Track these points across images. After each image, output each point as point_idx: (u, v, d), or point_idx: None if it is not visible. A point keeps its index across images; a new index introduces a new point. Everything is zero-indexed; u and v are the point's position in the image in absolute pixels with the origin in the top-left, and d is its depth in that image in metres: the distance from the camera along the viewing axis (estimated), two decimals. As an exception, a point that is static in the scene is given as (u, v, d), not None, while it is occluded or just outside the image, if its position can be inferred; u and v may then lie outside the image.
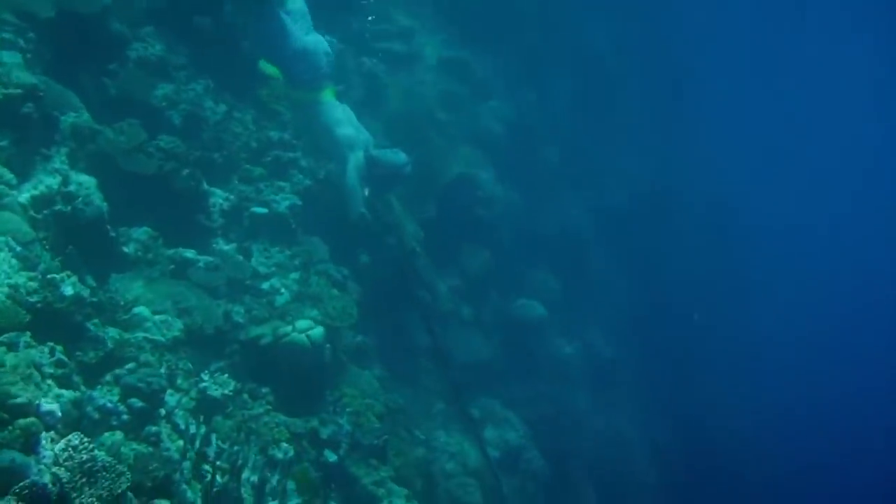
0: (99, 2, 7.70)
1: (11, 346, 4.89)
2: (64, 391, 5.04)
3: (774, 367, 21.16)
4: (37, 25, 7.22)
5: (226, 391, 6.33)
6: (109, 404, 5.26)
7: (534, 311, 12.36)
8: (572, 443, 11.93)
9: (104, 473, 4.32)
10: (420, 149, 11.55)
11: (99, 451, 4.57)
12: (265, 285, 7.96)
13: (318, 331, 7.17)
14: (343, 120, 8.48)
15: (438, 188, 11.35)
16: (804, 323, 25.13)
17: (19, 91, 6.28)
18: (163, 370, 5.87)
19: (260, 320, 7.40)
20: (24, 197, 6.12)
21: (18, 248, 5.67)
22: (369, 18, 12.55)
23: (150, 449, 5.16)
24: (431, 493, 8.34)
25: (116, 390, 5.44)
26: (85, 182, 6.35)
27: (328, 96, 8.45)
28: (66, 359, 5.23)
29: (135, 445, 5.17)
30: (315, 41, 8.35)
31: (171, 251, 7.24)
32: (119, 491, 4.31)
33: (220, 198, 8.16)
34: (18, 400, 4.36)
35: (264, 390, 6.85)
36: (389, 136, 11.08)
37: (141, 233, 6.97)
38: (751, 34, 26.94)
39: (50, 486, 4.04)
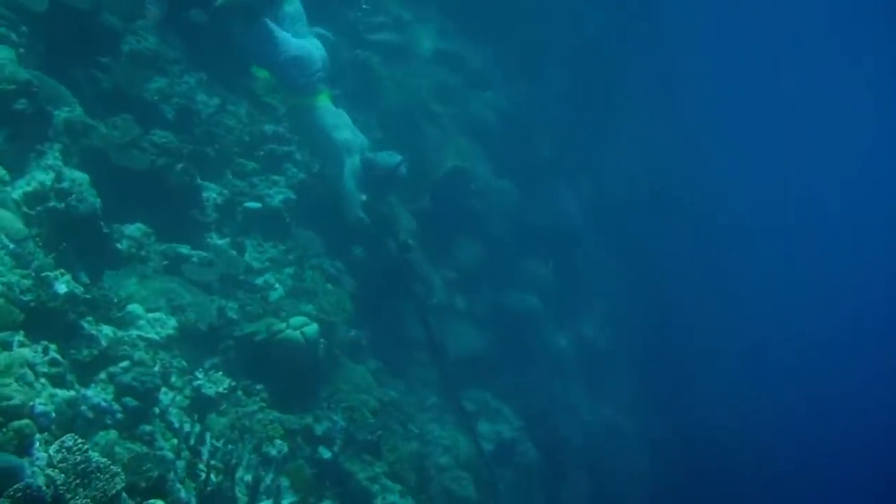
0: (92, -6, 7.67)
1: (5, 346, 4.88)
2: (58, 390, 5.03)
3: (771, 361, 21.20)
4: (29, 19, 7.17)
5: (220, 389, 6.33)
6: (104, 403, 5.25)
7: (527, 303, 12.38)
8: (566, 434, 11.97)
9: (98, 474, 4.31)
10: (414, 141, 11.58)
11: (93, 451, 4.56)
12: (259, 280, 7.97)
13: (312, 328, 7.17)
14: (340, 124, 8.47)
15: (433, 180, 11.34)
16: (803, 319, 25.15)
17: (13, 87, 6.25)
18: (157, 368, 5.86)
19: (254, 316, 7.39)
20: (17, 193, 6.09)
21: (11, 246, 5.64)
22: (364, 7, 12.50)
23: (145, 448, 5.16)
24: (426, 487, 8.34)
25: (111, 388, 5.44)
26: (78, 178, 6.33)
27: (324, 101, 8.44)
28: (59, 357, 5.21)
29: (129, 444, 5.16)
30: (309, 46, 8.32)
31: (164, 246, 7.23)
32: (113, 492, 4.30)
33: (213, 192, 8.15)
34: (12, 402, 4.35)
35: (258, 387, 6.85)
36: (384, 128, 11.09)
37: (134, 229, 6.95)
38: (748, 25, 26.88)
39: (44, 488, 4.04)
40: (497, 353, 11.46)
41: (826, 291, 28.65)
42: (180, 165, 7.48)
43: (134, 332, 6.08)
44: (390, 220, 9.19)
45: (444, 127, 12.46)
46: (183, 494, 5.05)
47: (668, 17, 19.76)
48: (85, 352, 5.52)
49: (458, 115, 12.98)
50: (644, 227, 16.17)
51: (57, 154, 6.56)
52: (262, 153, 8.96)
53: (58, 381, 5.11)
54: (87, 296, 5.82)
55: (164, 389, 5.84)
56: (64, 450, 4.28)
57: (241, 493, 5.54)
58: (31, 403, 4.50)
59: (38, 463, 4.21)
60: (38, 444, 4.33)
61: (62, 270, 5.71)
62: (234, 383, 6.57)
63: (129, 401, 5.38)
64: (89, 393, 5.25)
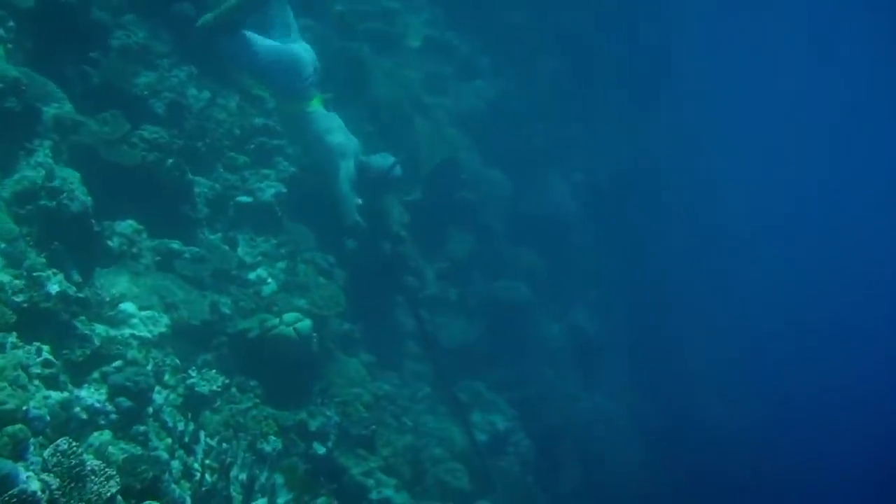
0: (80, -12, 7.61)
1: (-2, 348, 4.88)
2: (52, 392, 5.03)
3: (768, 351, 21.26)
4: (17, 14, 7.11)
5: (213, 387, 6.33)
6: (97, 404, 5.25)
7: (519, 292, 12.36)
8: (559, 423, 11.97)
9: (93, 477, 4.30)
10: (405, 132, 11.55)
11: (87, 453, 4.57)
12: (252, 275, 7.95)
13: (305, 323, 7.15)
14: (332, 128, 8.44)
15: (423, 171, 11.32)
16: (801, 308, 25.21)
17: (1, 85, 6.21)
18: (150, 367, 5.85)
19: (247, 311, 7.39)
20: (6, 192, 6.07)
21: (2, 245, 5.64)
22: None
23: (139, 449, 5.16)
24: (420, 479, 8.36)
25: (104, 388, 5.43)
26: (69, 176, 6.30)
27: (316, 105, 8.40)
28: (52, 358, 5.21)
29: (123, 445, 5.17)
30: (300, 51, 8.28)
31: (156, 242, 7.20)
32: (108, 495, 4.30)
33: (204, 187, 8.12)
34: (6, 406, 4.34)
35: (252, 383, 6.85)
36: (374, 120, 11.05)
37: (125, 226, 6.92)
38: (740, 15, 26.89)
39: (39, 493, 4.03)
40: (490, 343, 11.45)
41: (825, 279, 28.70)
42: (171, 161, 7.43)
43: (126, 331, 6.05)
44: (385, 221, 9.18)
45: (435, 118, 12.44)
46: (178, 495, 5.04)
47: (659, 5, 19.75)
48: (78, 352, 5.52)
49: (448, 106, 12.96)
50: (636, 216, 16.19)
51: (47, 151, 6.53)
52: (252, 146, 8.94)
53: (51, 382, 5.10)
54: (80, 295, 5.80)
55: (157, 388, 5.82)
56: (58, 453, 4.27)
57: (235, 493, 5.54)
58: (25, 408, 4.49)
59: (32, 468, 4.20)
60: (32, 448, 4.33)
61: (54, 270, 5.71)
62: (227, 381, 6.57)
63: (123, 401, 5.37)
64: (83, 394, 5.25)
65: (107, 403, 5.31)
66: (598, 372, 13.78)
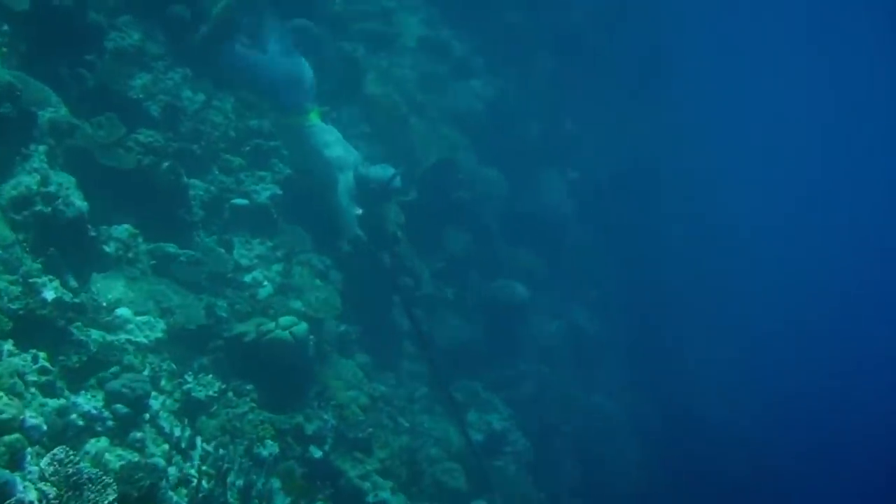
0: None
1: (-6, 356, 4.89)
2: (49, 400, 5.04)
3: (767, 350, 21.26)
4: (11, 18, 7.11)
5: (210, 392, 6.34)
6: (94, 410, 5.27)
7: (515, 291, 12.36)
8: (556, 422, 11.99)
9: (90, 486, 4.31)
10: (400, 132, 11.55)
11: (84, 461, 4.59)
12: (247, 278, 7.95)
13: (301, 327, 7.16)
14: (331, 141, 8.46)
15: (419, 171, 11.31)
16: (800, 306, 25.19)
17: (-4, 91, 6.21)
18: (146, 373, 5.86)
19: (243, 315, 7.38)
20: (2, 198, 6.07)
21: (-1, 252, 5.64)
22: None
23: (136, 455, 5.17)
24: (417, 480, 8.38)
25: (101, 395, 5.45)
26: (65, 182, 6.30)
27: (314, 119, 8.42)
28: (49, 365, 5.22)
29: (120, 451, 5.19)
30: (295, 65, 8.30)
31: (151, 246, 7.19)
32: (106, 503, 4.31)
33: (200, 190, 8.11)
34: (3, 416, 4.35)
35: (249, 387, 6.85)
36: (369, 121, 11.05)
37: (121, 231, 6.91)
38: (738, 10, 26.86)
39: (36, 502, 4.05)
40: (486, 342, 11.47)
41: (824, 277, 28.66)
42: (166, 164, 7.43)
43: (123, 337, 6.06)
44: (385, 233, 9.19)
45: (431, 117, 12.44)
46: (175, 502, 5.06)
47: (658, 3, 19.73)
48: (74, 358, 5.53)
49: (444, 105, 12.95)
50: (635, 215, 16.18)
51: (42, 156, 6.52)
52: (248, 148, 8.93)
53: (48, 389, 5.12)
54: (76, 300, 5.81)
55: (154, 394, 5.83)
56: (55, 462, 4.28)
57: (233, 499, 5.55)
58: (22, 417, 4.49)
59: (30, 477, 4.21)
60: (29, 457, 4.34)
61: (50, 276, 5.71)
62: (224, 385, 6.57)
63: (120, 407, 5.39)
64: (80, 400, 5.26)
65: (104, 410, 5.33)
66: (597, 371, 13.80)
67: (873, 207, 33.24)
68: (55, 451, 4.32)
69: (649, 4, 19.34)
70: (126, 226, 6.98)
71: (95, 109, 7.37)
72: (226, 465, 5.62)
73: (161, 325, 6.43)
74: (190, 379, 6.34)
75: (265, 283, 7.98)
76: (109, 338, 5.90)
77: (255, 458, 6.24)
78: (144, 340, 6.20)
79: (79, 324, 5.71)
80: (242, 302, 7.56)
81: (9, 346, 5.04)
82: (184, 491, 5.32)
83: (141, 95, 8.08)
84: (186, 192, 7.79)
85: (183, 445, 5.65)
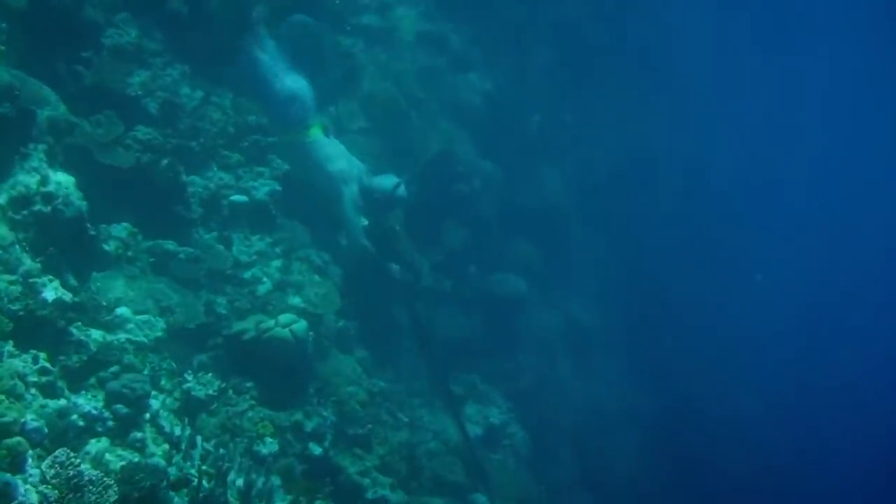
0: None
1: (-5, 357, 4.91)
2: (49, 401, 5.07)
3: (765, 345, 21.26)
4: (9, 16, 7.10)
5: (210, 390, 6.36)
6: (94, 411, 5.29)
7: (514, 284, 12.38)
8: (554, 414, 12.03)
9: (91, 487, 4.35)
10: (399, 126, 11.53)
11: (85, 462, 4.62)
12: (247, 274, 7.96)
13: (300, 324, 7.19)
14: (334, 155, 8.46)
15: (418, 166, 11.31)
16: (797, 301, 25.18)
17: (-5, 91, 6.21)
18: (146, 372, 5.89)
19: (243, 311, 7.41)
20: (2, 198, 6.07)
21: (-2, 252, 5.65)
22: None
23: (136, 455, 5.20)
24: (416, 475, 8.42)
25: (101, 395, 5.47)
26: (64, 181, 6.30)
27: (316, 134, 8.43)
28: (49, 366, 5.25)
29: (120, 452, 5.21)
30: (294, 82, 8.33)
31: (150, 244, 7.21)
32: (107, 504, 4.35)
33: (199, 187, 8.11)
34: (4, 419, 4.37)
35: (248, 385, 6.88)
36: (368, 115, 11.03)
37: (120, 229, 6.93)
38: (734, 5, 26.75)
39: (38, 505, 4.08)
40: (485, 335, 11.49)
41: (823, 269, 28.61)
42: (165, 161, 7.44)
43: (122, 336, 6.08)
44: (392, 242, 9.21)
45: (429, 110, 12.40)
46: (176, 501, 5.08)
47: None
48: (74, 358, 5.56)
49: (442, 98, 12.92)
50: (632, 206, 16.17)
51: (41, 155, 6.52)
52: (246, 144, 8.92)
53: (48, 390, 5.14)
54: (76, 300, 5.83)
55: (154, 393, 5.86)
56: (57, 465, 4.31)
57: (233, 498, 5.58)
58: (23, 420, 4.52)
59: (31, 480, 4.24)
60: (30, 460, 4.37)
61: (50, 276, 5.73)
62: (223, 384, 6.59)
63: (120, 408, 5.42)
64: (80, 401, 5.29)
65: (104, 410, 5.36)
66: (595, 364, 13.83)
67: (875, 205, 33.15)
68: (56, 453, 4.36)
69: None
70: (125, 224, 7.01)
71: (93, 107, 7.38)
72: (226, 465, 5.64)
73: (161, 323, 6.46)
74: (190, 377, 6.37)
75: (264, 279, 8.00)
76: (109, 337, 5.93)
77: (254, 456, 6.28)
78: (144, 339, 6.22)
79: (79, 323, 5.74)
80: (242, 299, 7.59)
81: (9, 347, 5.06)
82: (184, 491, 5.34)
83: (139, 92, 8.07)
84: (185, 189, 7.81)
85: (183, 445, 5.67)
